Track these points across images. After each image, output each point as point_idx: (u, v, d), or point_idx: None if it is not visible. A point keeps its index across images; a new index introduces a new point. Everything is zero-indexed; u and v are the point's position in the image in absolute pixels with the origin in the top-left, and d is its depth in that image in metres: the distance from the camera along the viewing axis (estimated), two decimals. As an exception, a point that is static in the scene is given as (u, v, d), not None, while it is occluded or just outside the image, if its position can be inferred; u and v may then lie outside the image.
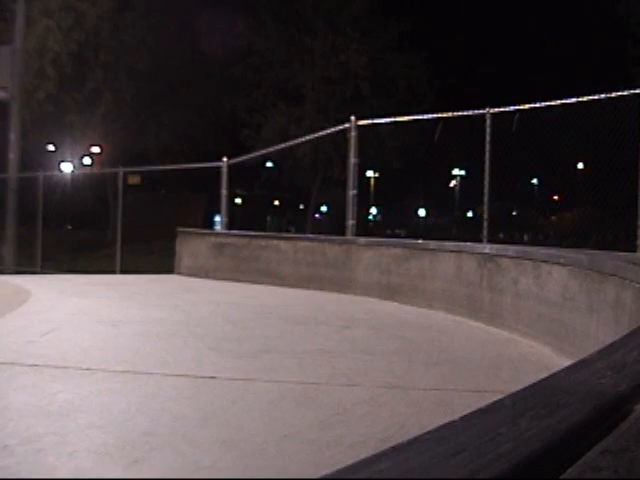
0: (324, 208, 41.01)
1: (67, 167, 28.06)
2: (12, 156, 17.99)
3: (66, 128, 27.04)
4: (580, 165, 12.99)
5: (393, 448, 1.11)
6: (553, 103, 9.09)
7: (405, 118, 11.69)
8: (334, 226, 20.66)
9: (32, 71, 23.35)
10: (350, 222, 10.87)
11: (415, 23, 25.48)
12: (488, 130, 9.48)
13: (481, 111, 9.63)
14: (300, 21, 26.75)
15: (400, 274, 8.77)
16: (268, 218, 42.26)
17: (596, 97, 8.62)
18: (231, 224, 13.54)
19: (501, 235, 17.77)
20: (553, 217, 25.37)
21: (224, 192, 13.21)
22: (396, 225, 32.60)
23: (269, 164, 32.55)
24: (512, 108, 9.57)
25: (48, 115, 25.47)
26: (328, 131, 12.98)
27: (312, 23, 26.53)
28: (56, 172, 24.73)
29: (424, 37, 26.43)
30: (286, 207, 44.35)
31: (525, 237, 23.02)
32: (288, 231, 35.56)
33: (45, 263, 18.21)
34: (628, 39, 22.16)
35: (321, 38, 26.13)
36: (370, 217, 34.04)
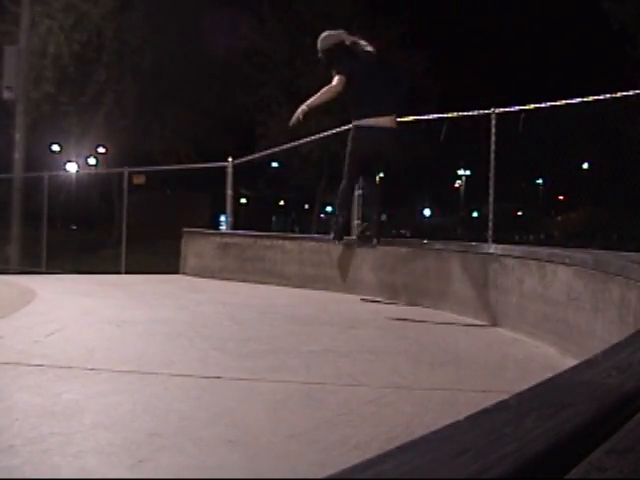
0: (329, 208, 40.95)
1: (72, 167, 28.14)
2: (17, 156, 18.05)
3: (69, 129, 27.07)
4: (585, 165, 12.98)
5: (398, 448, 1.11)
6: (558, 103, 9.09)
7: (410, 118, 11.67)
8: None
9: (34, 72, 23.42)
10: (355, 222, 10.87)
11: (417, 22, 25.51)
12: (493, 130, 9.49)
13: (486, 111, 9.63)
14: (300, 21, 26.76)
15: (405, 274, 8.77)
16: (273, 218, 42.27)
17: (601, 97, 8.62)
18: (236, 224, 13.54)
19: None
20: (559, 217, 25.36)
21: (229, 192, 13.20)
22: (401, 225, 32.58)
23: (274, 164, 32.55)
24: (517, 108, 9.56)
25: (47, 116, 25.46)
26: (333, 131, 12.96)
27: (312, 23, 26.56)
28: (61, 172, 24.80)
29: (427, 36, 26.46)
30: (291, 207, 44.34)
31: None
32: (293, 231, 35.55)
33: (50, 263, 18.24)
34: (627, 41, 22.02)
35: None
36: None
